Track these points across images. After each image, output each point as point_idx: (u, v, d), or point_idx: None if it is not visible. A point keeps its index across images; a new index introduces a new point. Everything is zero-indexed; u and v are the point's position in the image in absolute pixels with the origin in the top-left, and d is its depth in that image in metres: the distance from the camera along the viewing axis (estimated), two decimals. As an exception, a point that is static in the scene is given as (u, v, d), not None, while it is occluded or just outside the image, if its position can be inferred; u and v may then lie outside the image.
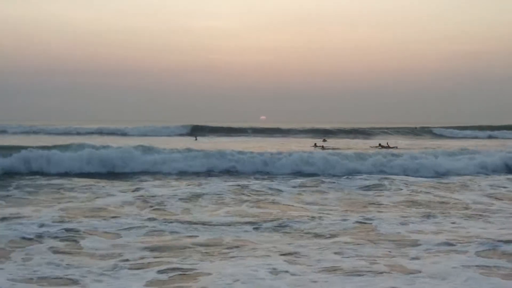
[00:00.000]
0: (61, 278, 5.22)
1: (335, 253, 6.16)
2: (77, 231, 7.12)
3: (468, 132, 50.09)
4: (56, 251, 6.15)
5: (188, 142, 32.44)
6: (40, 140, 27.30)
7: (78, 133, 43.97)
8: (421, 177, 14.50)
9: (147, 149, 16.29)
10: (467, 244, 6.57)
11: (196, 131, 46.39)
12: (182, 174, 14.64)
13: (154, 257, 5.97)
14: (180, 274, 5.35)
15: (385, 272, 5.35)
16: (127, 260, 5.86)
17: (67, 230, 7.15)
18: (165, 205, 9.37)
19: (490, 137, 46.84)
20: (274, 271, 5.37)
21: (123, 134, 43.75)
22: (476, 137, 46.21)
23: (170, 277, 5.28)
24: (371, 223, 7.96)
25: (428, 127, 52.91)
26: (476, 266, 5.65)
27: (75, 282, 5.10)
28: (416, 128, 52.24)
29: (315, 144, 28.76)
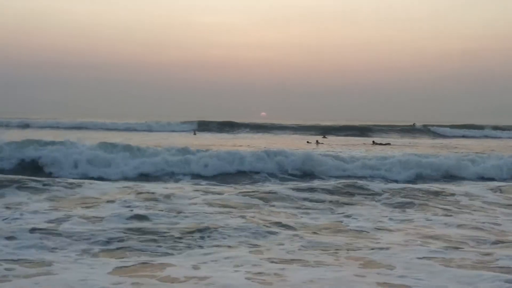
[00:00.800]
0: (30, 261, 5.41)
1: (301, 246, 6.30)
2: (58, 217, 7.35)
3: (467, 132, 49.98)
4: (33, 236, 6.33)
5: (187, 137, 32.70)
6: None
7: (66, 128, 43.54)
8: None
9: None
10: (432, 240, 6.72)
11: (195, 126, 46.54)
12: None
13: (127, 246, 6.13)
14: (146, 263, 5.49)
15: (346, 264, 5.50)
16: (100, 245, 6.07)
17: (50, 216, 7.42)
18: (152, 194, 9.54)
19: (486, 136, 46.88)
20: (237, 263, 5.52)
21: (109, 129, 43.53)
22: (474, 137, 46.22)
23: (136, 265, 5.42)
24: (344, 219, 8.10)
25: (426, 125, 52.87)
26: (437, 258, 5.79)
27: (42, 265, 5.27)
28: (414, 124, 52.12)
29: (307, 141, 28.93)
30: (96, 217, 7.43)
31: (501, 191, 11.52)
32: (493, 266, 5.54)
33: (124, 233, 6.66)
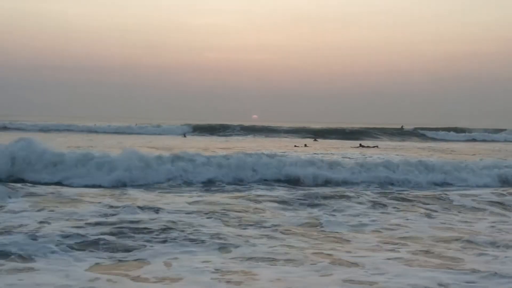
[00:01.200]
0: (12, 258, 5.53)
1: (272, 245, 6.42)
2: (38, 216, 7.49)
3: (456, 135, 50.25)
4: (15, 233, 6.41)
5: (176, 140, 32.82)
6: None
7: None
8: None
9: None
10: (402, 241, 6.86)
11: (186, 129, 46.64)
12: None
13: (105, 243, 6.25)
14: (122, 261, 5.63)
15: (314, 263, 5.62)
16: (77, 243, 6.17)
17: (30, 215, 7.55)
18: (134, 198, 9.62)
19: (475, 140, 47.25)
20: (206, 260, 5.67)
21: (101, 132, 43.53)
22: (462, 140, 46.54)
23: (113, 262, 5.56)
24: (322, 219, 8.22)
25: (416, 128, 53.20)
26: (404, 258, 5.92)
27: (23, 262, 5.40)
28: (402, 127, 52.32)
29: (295, 145, 29.06)
30: (76, 217, 7.52)
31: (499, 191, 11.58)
32: (459, 268, 5.62)
33: (103, 230, 6.76)
